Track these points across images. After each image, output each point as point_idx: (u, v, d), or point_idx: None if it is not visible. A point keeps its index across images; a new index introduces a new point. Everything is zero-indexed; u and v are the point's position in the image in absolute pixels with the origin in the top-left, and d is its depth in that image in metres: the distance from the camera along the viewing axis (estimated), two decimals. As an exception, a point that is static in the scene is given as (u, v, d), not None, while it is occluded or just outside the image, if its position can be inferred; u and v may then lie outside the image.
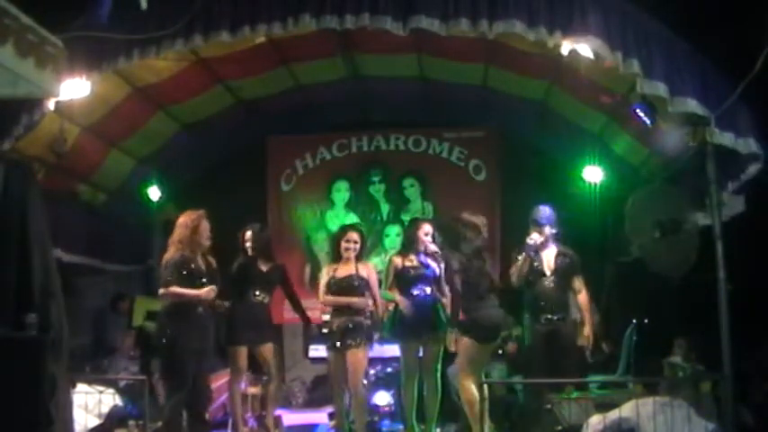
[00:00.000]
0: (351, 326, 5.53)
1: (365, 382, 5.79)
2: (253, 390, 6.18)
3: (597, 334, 5.90)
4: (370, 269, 5.80)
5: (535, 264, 5.61)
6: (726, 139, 4.51)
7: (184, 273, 5.16)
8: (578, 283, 5.67)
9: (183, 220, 5.31)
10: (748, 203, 5.08)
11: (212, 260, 5.39)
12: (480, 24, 4.50)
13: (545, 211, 5.68)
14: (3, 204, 4.53)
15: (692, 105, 4.46)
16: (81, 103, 5.22)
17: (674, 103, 4.46)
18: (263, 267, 5.81)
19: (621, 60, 4.43)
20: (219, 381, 6.08)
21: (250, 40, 5.86)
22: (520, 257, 5.64)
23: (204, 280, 5.21)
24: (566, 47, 4.64)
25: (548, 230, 5.62)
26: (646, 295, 6.79)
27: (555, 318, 5.55)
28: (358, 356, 5.52)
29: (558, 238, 5.71)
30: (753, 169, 4.72)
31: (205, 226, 5.30)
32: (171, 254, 5.23)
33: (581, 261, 5.75)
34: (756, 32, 4.32)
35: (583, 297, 5.64)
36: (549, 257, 5.65)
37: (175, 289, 5.11)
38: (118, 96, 6.20)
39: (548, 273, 5.62)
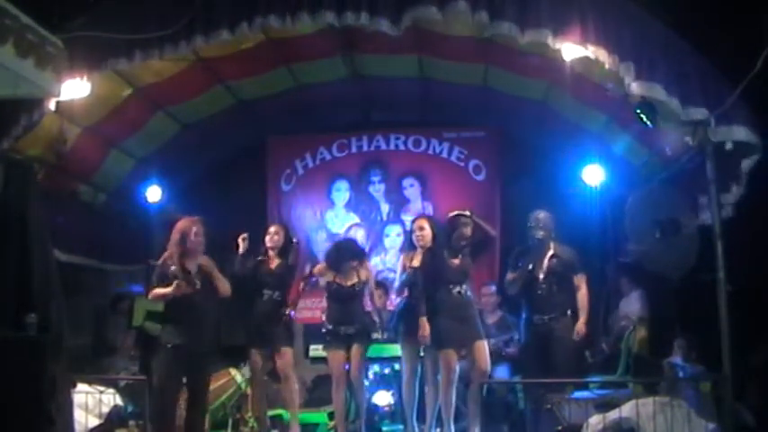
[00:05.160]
0: (355, 330, 5.68)
1: (366, 382, 5.94)
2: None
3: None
4: (368, 271, 5.94)
5: (529, 268, 5.63)
6: (725, 134, 4.51)
7: (168, 276, 5.23)
8: (577, 279, 5.69)
9: (178, 225, 5.37)
10: (748, 203, 5.07)
11: (206, 261, 5.35)
12: (479, 23, 4.52)
13: (543, 222, 5.69)
14: (3, 204, 4.54)
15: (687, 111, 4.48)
16: (81, 103, 5.21)
17: (672, 104, 4.48)
18: (272, 266, 5.88)
19: (618, 63, 4.44)
20: (220, 380, 6.08)
21: (251, 40, 5.88)
22: (519, 266, 5.67)
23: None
24: (565, 49, 4.65)
25: (548, 237, 5.65)
26: (646, 295, 6.80)
27: (548, 318, 5.57)
28: (358, 352, 5.69)
29: (552, 238, 5.72)
30: (746, 164, 4.72)
31: (196, 232, 5.31)
32: (163, 258, 5.33)
33: (580, 259, 5.77)
34: (756, 32, 4.32)
35: (582, 293, 5.67)
36: (543, 260, 5.67)
37: (154, 293, 5.26)
38: (118, 96, 6.20)
39: (541, 276, 5.64)
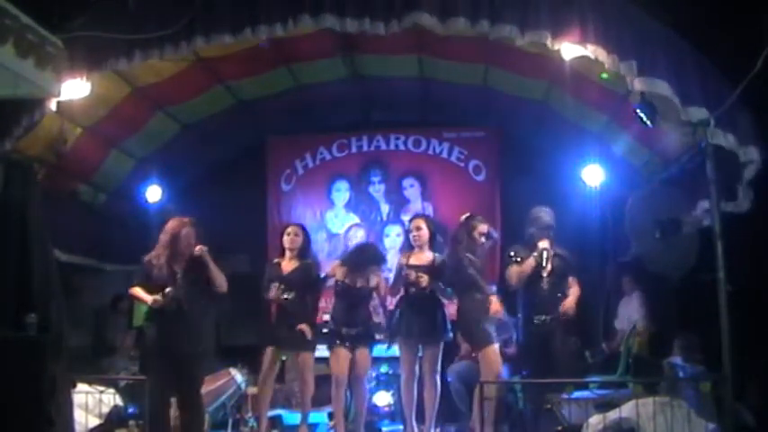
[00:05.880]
0: (357, 332, 5.65)
1: (367, 384, 5.92)
2: (252, 390, 6.17)
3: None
4: (380, 277, 5.86)
5: (544, 256, 5.62)
6: (726, 140, 4.51)
7: (152, 277, 5.14)
8: (571, 279, 5.70)
9: (169, 225, 5.25)
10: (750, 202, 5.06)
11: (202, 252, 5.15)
12: (480, 25, 4.52)
13: (548, 213, 5.67)
14: (3, 204, 4.54)
15: (690, 110, 4.46)
16: (81, 103, 5.21)
17: (675, 101, 4.47)
18: (288, 268, 5.76)
19: (618, 62, 4.44)
20: (220, 380, 6.07)
21: (251, 41, 5.88)
22: (520, 259, 5.65)
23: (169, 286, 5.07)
24: (565, 49, 4.65)
25: (552, 233, 5.65)
26: (646, 295, 6.80)
27: (549, 318, 5.56)
28: (364, 354, 5.68)
29: (552, 238, 5.72)
30: (748, 173, 4.71)
31: (186, 233, 5.16)
32: (148, 257, 5.21)
33: (577, 261, 5.78)
34: (756, 32, 4.32)
35: (573, 289, 5.67)
36: (547, 259, 5.67)
37: (133, 292, 5.22)
38: (118, 96, 6.20)
39: (545, 274, 5.63)
